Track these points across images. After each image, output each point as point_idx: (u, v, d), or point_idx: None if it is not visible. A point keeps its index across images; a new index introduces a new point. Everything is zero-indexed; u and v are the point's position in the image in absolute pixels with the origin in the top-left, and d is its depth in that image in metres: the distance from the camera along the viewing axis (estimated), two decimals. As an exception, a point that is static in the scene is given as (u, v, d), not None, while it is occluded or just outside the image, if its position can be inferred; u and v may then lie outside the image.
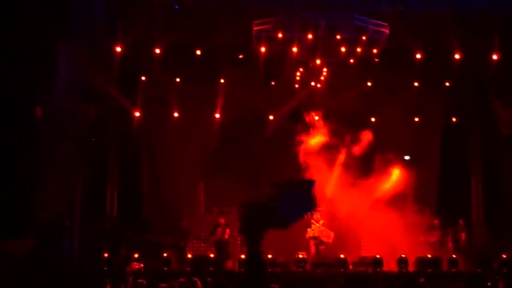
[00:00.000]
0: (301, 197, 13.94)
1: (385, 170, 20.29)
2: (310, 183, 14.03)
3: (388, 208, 19.65)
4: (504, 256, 17.48)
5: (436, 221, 19.32)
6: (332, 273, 16.25)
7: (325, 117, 20.98)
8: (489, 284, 13.57)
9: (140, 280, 12.80)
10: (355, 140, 20.59)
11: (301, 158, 20.41)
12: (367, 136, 20.48)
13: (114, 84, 18.66)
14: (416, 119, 21.12)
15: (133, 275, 14.46)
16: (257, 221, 13.89)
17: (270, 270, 17.07)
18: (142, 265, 15.30)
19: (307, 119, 20.89)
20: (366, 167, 20.28)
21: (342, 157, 20.64)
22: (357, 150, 20.47)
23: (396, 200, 19.89)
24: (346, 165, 20.55)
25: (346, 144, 20.68)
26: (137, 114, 19.56)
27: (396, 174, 20.36)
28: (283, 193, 13.96)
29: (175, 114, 20.36)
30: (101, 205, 19.17)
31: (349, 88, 20.68)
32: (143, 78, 19.51)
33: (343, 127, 20.59)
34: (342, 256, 17.87)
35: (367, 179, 19.94)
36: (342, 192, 20.10)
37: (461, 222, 19.18)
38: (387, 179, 20.28)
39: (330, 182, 20.39)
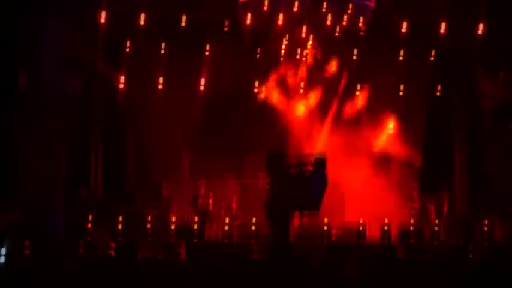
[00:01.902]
0: (318, 175, 14.04)
1: (368, 142, 20.63)
2: (322, 160, 14.13)
3: (373, 175, 19.99)
4: (486, 228, 17.66)
5: (414, 192, 19.50)
6: (315, 245, 16.37)
7: (310, 87, 21.15)
8: (471, 256, 13.73)
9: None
10: (340, 110, 20.89)
11: (287, 127, 20.60)
12: (352, 105, 20.83)
13: (99, 56, 18.57)
14: (401, 93, 21.14)
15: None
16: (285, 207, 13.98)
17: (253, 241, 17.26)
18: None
19: (292, 89, 21.01)
20: (350, 136, 20.49)
21: (327, 125, 20.89)
22: (343, 117, 20.87)
23: (381, 166, 20.22)
24: (331, 132, 20.80)
25: (332, 112, 20.95)
26: (121, 85, 19.46)
27: (379, 145, 20.71)
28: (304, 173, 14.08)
29: (160, 86, 20.27)
30: (85, 177, 19.12)
31: (335, 59, 20.79)
32: (127, 49, 19.37)
33: (328, 98, 20.84)
34: (325, 228, 17.95)
35: (351, 148, 20.17)
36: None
37: (444, 192, 19.33)
38: (371, 150, 20.62)
39: (316, 148, 20.60)
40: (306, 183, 14.01)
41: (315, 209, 14.48)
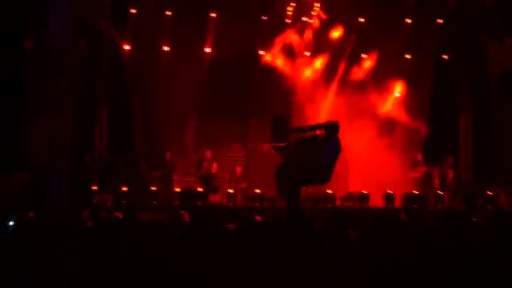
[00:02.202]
0: (330, 143, 13.94)
1: (374, 107, 20.65)
2: (335, 124, 14.05)
3: (378, 141, 20.01)
4: (489, 193, 17.70)
5: (419, 157, 19.44)
6: (319, 208, 16.44)
7: (317, 51, 21.10)
8: (474, 219, 13.73)
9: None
10: (346, 74, 20.86)
11: (294, 93, 20.61)
12: (358, 69, 20.80)
13: (105, 18, 18.52)
14: (408, 56, 21.06)
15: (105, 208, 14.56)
16: (295, 179, 13.90)
17: (258, 204, 17.35)
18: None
19: (298, 53, 20.99)
20: (356, 101, 20.48)
21: (332, 89, 20.86)
22: (349, 82, 20.88)
23: (386, 132, 20.25)
24: (337, 97, 20.79)
25: (338, 76, 20.91)
26: (127, 47, 19.40)
27: (385, 110, 20.73)
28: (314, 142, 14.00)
29: (166, 48, 20.21)
30: (91, 140, 19.17)
31: (341, 24, 20.71)
32: (133, 11, 19.29)
33: (334, 62, 20.81)
34: (329, 191, 18.03)
35: (356, 113, 20.21)
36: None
37: (449, 158, 19.31)
38: (376, 114, 20.63)
39: (322, 113, 20.65)
40: (320, 147, 13.93)
41: (325, 180, 14.37)
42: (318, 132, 14.22)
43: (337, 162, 14.02)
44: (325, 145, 13.68)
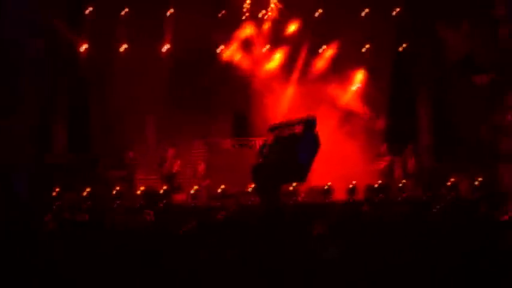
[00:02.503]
0: (308, 140, 13.85)
1: (334, 100, 20.75)
2: (312, 120, 13.97)
3: (340, 135, 20.08)
4: (451, 181, 17.90)
5: (383, 148, 19.53)
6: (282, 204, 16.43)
7: (276, 45, 21.11)
8: (437, 207, 13.89)
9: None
10: (307, 65, 20.92)
11: (254, 87, 20.61)
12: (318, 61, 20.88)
13: (60, 17, 18.31)
14: (367, 46, 21.18)
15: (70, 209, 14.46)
16: (273, 178, 13.81)
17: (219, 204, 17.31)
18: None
19: (257, 49, 20.98)
20: (316, 95, 20.53)
21: (292, 84, 20.93)
22: (310, 71, 20.95)
23: (347, 125, 20.32)
24: (298, 88, 20.86)
25: (297, 70, 20.98)
26: (84, 47, 19.20)
27: (345, 103, 20.83)
28: (290, 140, 13.89)
29: (124, 46, 20.04)
30: (50, 142, 18.96)
31: (298, 17, 20.75)
32: (89, 10, 19.09)
33: (292, 56, 20.85)
34: (291, 188, 18.05)
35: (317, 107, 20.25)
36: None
37: (409, 147, 19.44)
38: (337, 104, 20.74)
39: (282, 106, 20.69)
40: (296, 145, 13.87)
41: (303, 179, 14.31)
42: (296, 128, 14.22)
43: (315, 158, 14.08)
44: (301, 143, 13.68)
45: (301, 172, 13.69)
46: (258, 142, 20.44)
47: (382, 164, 19.00)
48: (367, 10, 20.37)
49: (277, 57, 21.07)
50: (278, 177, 13.93)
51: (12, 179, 15.92)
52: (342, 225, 9.95)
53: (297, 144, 13.81)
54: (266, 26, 20.94)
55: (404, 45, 21.17)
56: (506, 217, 10.40)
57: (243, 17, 20.58)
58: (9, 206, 15.02)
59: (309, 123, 13.80)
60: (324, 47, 21.25)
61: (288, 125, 14.88)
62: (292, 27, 20.95)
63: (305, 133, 13.69)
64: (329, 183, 18.17)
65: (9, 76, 16.06)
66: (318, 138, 13.81)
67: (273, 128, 15.61)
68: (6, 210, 14.42)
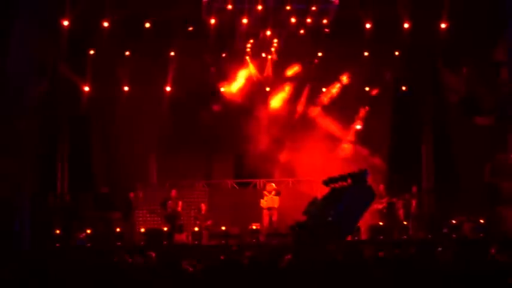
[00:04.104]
0: (354, 192, 13.56)
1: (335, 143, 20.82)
2: (364, 173, 13.82)
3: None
4: (454, 221, 17.80)
5: (381, 188, 19.41)
6: (286, 244, 16.31)
7: (276, 86, 21.23)
8: (439, 249, 13.79)
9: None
10: (307, 109, 21.02)
11: (255, 129, 20.65)
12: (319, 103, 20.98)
13: (64, 59, 18.38)
14: (367, 89, 21.28)
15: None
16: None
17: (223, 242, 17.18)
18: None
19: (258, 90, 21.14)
20: (315, 139, 20.61)
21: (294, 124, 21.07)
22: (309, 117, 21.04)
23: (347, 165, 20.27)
24: (297, 132, 20.90)
25: (298, 112, 21.06)
26: (86, 88, 19.25)
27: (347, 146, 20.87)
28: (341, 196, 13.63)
29: (126, 88, 20.11)
30: (52, 181, 18.90)
31: (300, 59, 20.88)
32: (92, 52, 19.18)
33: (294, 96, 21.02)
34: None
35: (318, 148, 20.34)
36: (295, 158, 20.45)
37: (413, 188, 19.34)
38: (338, 150, 20.77)
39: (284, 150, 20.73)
40: (340, 198, 13.70)
41: (339, 237, 14.07)
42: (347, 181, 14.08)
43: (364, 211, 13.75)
44: (345, 197, 13.45)
45: (337, 230, 13.48)
46: (259, 183, 20.47)
47: (380, 205, 18.81)
48: (366, 53, 20.45)
49: (279, 99, 21.16)
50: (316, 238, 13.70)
51: (12, 219, 15.83)
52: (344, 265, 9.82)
53: (341, 198, 13.66)
54: (268, 68, 21.06)
55: (404, 87, 21.23)
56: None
57: (245, 59, 20.68)
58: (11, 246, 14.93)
59: (358, 176, 13.68)
60: (325, 90, 21.35)
61: (341, 179, 14.82)
62: (292, 70, 21.10)
63: (353, 186, 13.54)
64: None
65: (10, 114, 16.06)
66: (371, 190, 13.56)
67: (329, 181, 15.61)
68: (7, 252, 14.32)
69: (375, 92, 21.25)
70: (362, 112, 21.30)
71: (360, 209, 13.54)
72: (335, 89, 21.29)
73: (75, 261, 11.26)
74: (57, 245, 16.58)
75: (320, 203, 15.16)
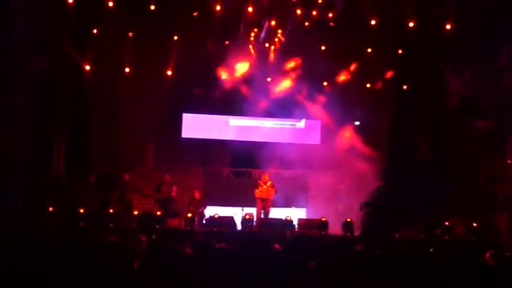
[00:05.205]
0: None
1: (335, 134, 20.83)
2: None
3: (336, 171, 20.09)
4: (447, 223, 17.81)
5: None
6: (278, 234, 16.32)
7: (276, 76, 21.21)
8: (431, 249, 13.81)
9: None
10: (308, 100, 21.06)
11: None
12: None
13: (66, 37, 18.31)
14: (368, 85, 21.25)
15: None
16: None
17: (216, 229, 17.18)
18: None
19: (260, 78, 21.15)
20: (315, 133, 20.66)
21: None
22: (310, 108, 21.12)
23: (344, 163, 20.33)
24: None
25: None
26: (87, 67, 19.17)
27: (346, 137, 20.88)
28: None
29: (127, 69, 20.04)
30: (48, 159, 18.84)
31: (303, 51, 20.84)
32: (95, 31, 19.09)
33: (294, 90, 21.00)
34: (288, 218, 17.98)
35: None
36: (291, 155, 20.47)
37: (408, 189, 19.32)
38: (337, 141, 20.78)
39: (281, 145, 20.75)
40: None
41: None
42: None
43: None
44: None
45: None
46: (255, 173, 20.51)
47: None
48: (369, 50, 20.40)
49: (280, 88, 21.14)
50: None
51: (7, 194, 15.83)
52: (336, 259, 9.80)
53: None
54: (270, 58, 21.02)
55: (405, 86, 21.20)
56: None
57: (248, 47, 20.63)
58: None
59: None
60: (326, 84, 21.32)
61: None
62: (294, 62, 21.06)
63: None
64: (324, 218, 18.04)
65: (8, 92, 16.02)
66: None
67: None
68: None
69: (376, 88, 21.22)
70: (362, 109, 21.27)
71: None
72: (337, 81, 21.26)
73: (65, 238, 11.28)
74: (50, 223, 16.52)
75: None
